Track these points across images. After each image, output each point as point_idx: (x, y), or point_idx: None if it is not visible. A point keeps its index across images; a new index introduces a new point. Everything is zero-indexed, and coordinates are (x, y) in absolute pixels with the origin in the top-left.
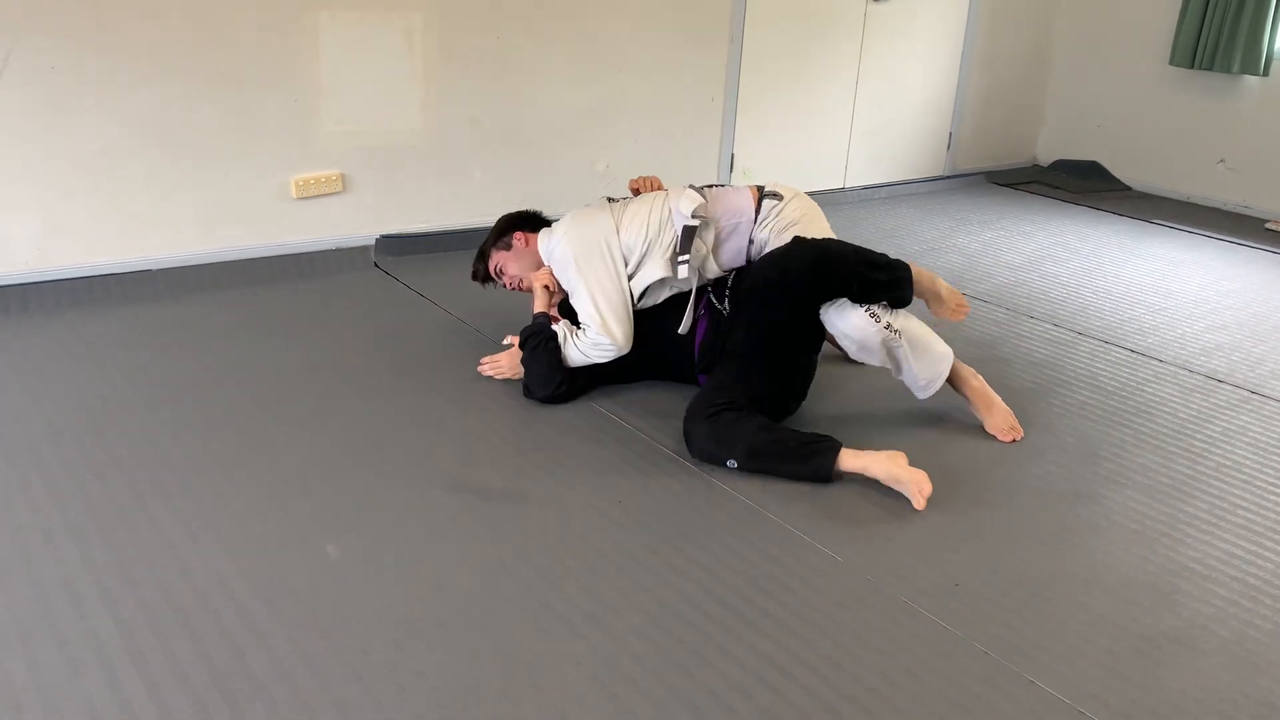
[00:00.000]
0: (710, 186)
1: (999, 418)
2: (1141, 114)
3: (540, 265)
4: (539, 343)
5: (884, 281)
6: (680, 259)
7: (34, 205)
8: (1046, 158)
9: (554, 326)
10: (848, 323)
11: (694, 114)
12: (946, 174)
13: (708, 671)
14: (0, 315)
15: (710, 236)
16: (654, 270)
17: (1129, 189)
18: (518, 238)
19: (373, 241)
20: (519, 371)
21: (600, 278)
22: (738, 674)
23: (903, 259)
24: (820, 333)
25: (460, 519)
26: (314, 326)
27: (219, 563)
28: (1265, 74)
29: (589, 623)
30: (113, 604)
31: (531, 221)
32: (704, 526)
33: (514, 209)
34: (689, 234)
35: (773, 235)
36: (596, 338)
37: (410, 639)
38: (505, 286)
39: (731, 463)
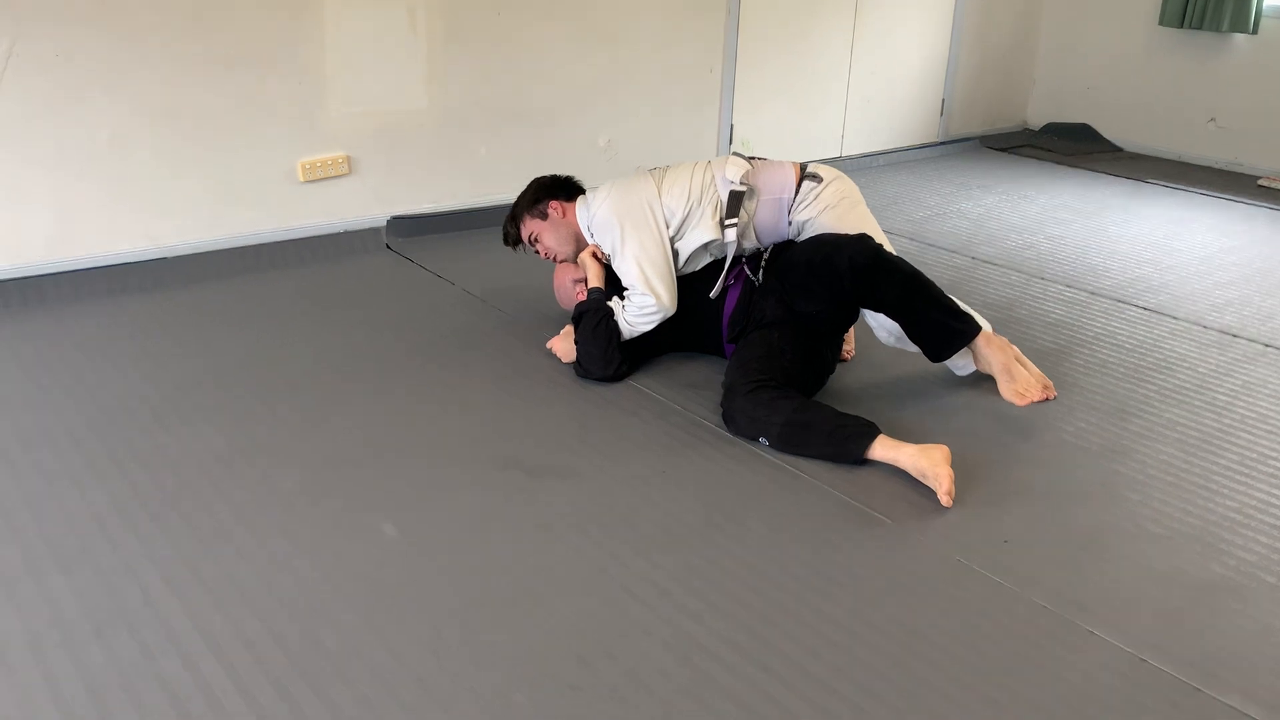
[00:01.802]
0: (754, 159)
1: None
2: (1131, 75)
3: (577, 237)
4: (598, 320)
5: (933, 319)
6: (728, 222)
7: (46, 196)
8: (1037, 121)
9: (609, 302)
10: (886, 318)
11: (693, 86)
12: (940, 140)
13: (776, 634)
14: (19, 307)
15: (752, 206)
16: (701, 233)
17: (1120, 150)
18: (553, 207)
19: (380, 223)
20: (573, 354)
21: (644, 239)
22: (807, 636)
23: (977, 322)
24: (852, 314)
25: (512, 495)
26: (336, 309)
27: (278, 546)
28: (1254, 32)
29: (653, 591)
30: (179, 590)
31: (566, 189)
32: (750, 493)
33: (522, 184)
34: (735, 198)
35: (812, 217)
36: (641, 300)
37: (478, 612)
38: (539, 255)
39: (763, 440)
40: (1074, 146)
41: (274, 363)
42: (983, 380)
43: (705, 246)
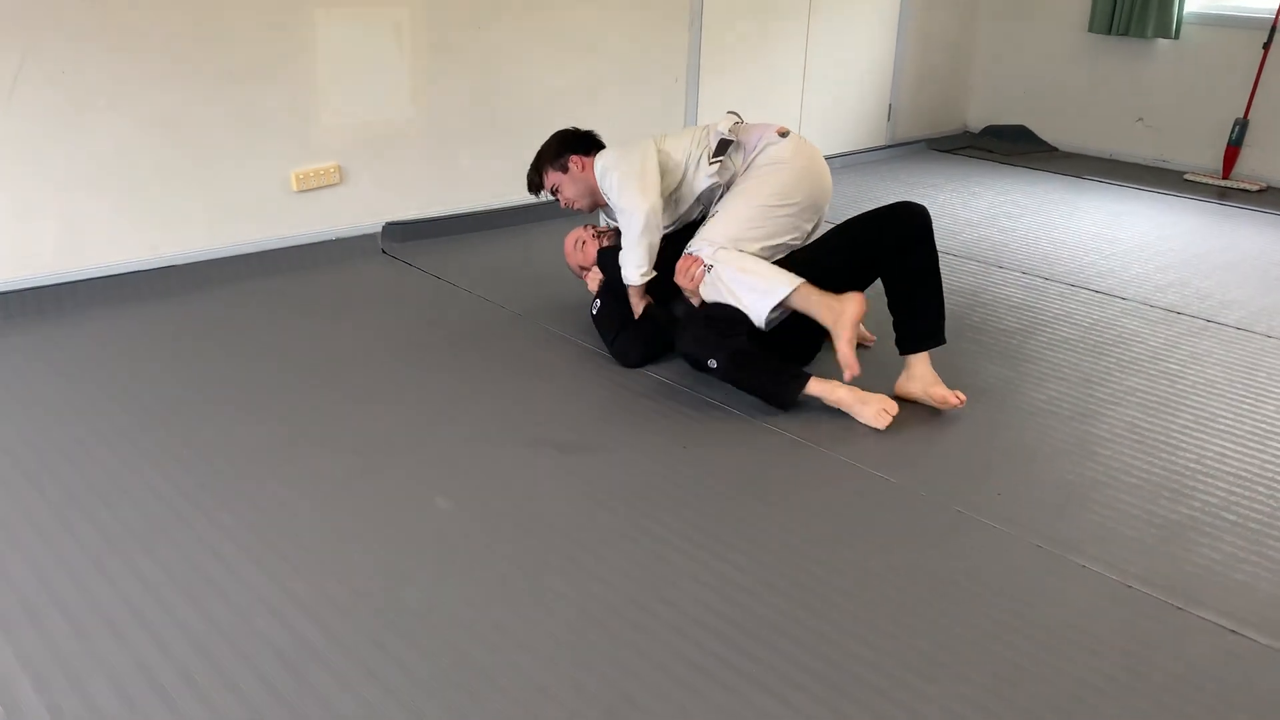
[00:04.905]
0: (744, 123)
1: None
2: (1063, 79)
3: (593, 189)
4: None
5: (930, 312)
6: (713, 159)
7: (53, 207)
8: (977, 124)
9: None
10: None
11: (660, 93)
12: (888, 144)
13: (805, 577)
14: (35, 315)
15: (740, 159)
16: (703, 179)
17: (1055, 149)
18: (574, 161)
19: (372, 230)
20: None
21: (632, 162)
22: (835, 578)
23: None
24: (862, 278)
25: (547, 469)
26: (345, 310)
27: (342, 520)
28: (1176, 37)
29: (691, 545)
30: (259, 560)
31: (585, 143)
32: (764, 462)
33: (505, 189)
34: (724, 145)
35: (748, 159)
36: (628, 211)
37: (538, 567)
38: (560, 205)
39: (712, 363)
40: (1012, 147)
41: (293, 361)
42: (964, 351)
43: (709, 189)
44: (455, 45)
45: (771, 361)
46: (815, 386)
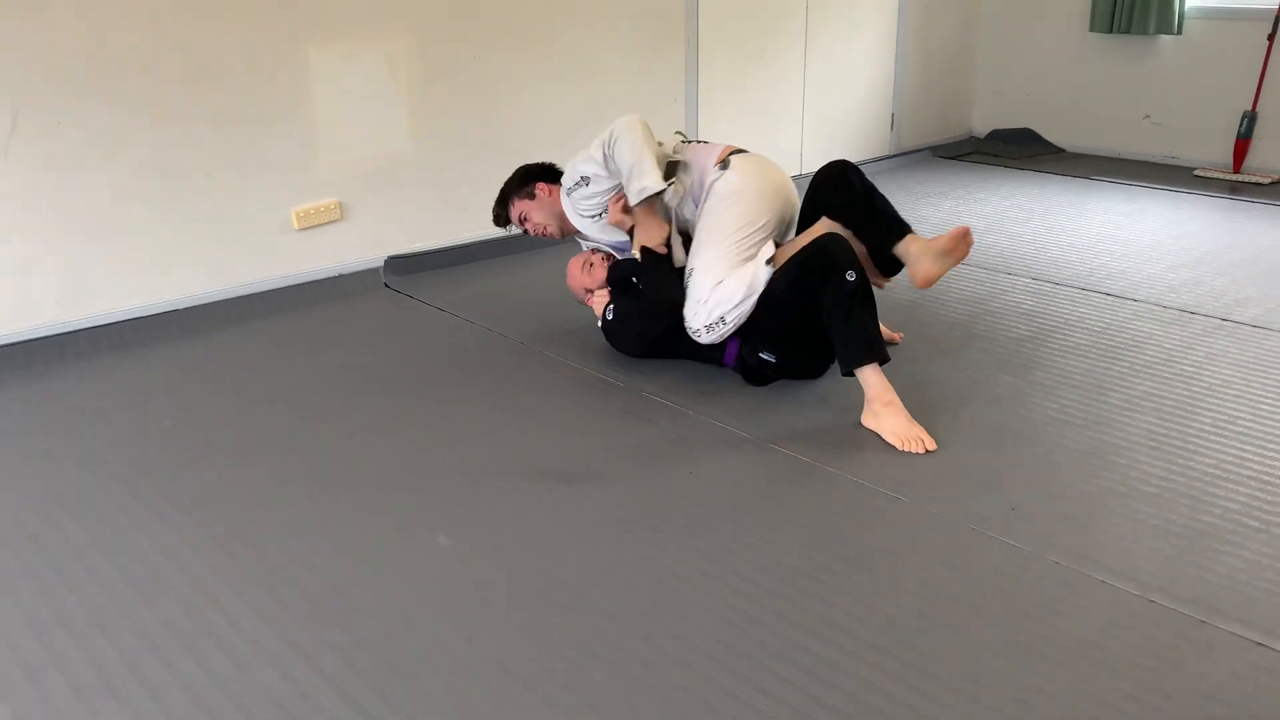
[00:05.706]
0: (692, 141)
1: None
2: (1067, 79)
3: (561, 215)
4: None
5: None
6: (668, 180)
7: (53, 259)
8: (982, 129)
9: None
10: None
11: (659, 115)
12: (892, 153)
13: (815, 602)
14: (40, 366)
15: (687, 179)
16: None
17: (1063, 151)
18: (540, 188)
19: (375, 264)
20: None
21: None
22: (847, 603)
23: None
24: None
25: (551, 500)
26: (345, 345)
27: (344, 563)
28: (1179, 32)
29: (700, 574)
30: (259, 609)
31: (550, 173)
32: (773, 483)
33: None
34: (671, 166)
35: (701, 202)
36: (619, 135)
37: (542, 603)
38: (527, 233)
39: (851, 275)
40: (1019, 150)
41: (296, 399)
42: (974, 365)
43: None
44: (451, 77)
45: (875, 318)
46: (880, 377)
